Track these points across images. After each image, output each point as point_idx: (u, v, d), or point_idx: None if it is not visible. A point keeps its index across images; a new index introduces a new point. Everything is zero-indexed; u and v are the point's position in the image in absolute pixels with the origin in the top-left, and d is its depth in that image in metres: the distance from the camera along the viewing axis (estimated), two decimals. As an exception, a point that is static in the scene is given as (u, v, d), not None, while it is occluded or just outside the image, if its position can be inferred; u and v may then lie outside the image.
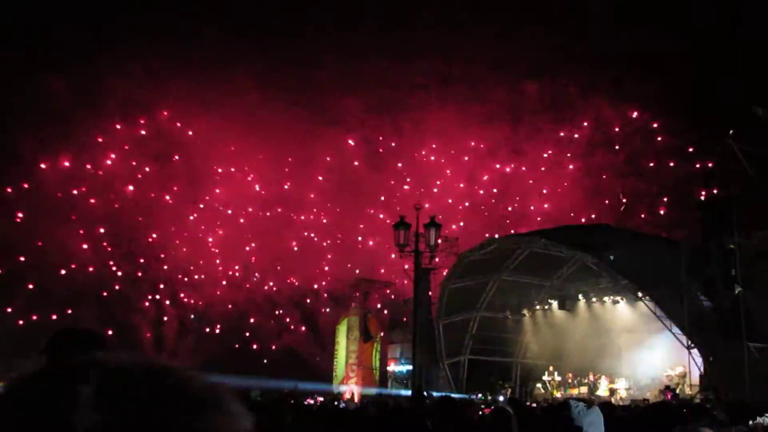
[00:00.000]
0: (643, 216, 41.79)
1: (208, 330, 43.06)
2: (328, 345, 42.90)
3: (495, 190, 46.27)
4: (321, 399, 27.35)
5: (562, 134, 46.14)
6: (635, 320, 30.16)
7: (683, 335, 24.78)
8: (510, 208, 45.45)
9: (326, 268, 45.08)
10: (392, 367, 38.90)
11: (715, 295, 23.73)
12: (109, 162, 42.53)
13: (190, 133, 44.35)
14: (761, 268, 23.81)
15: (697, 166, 34.92)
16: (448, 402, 6.29)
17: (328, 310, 44.59)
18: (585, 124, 45.84)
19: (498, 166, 46.47)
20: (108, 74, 38.94)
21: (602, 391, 29.50)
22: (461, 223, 42.10)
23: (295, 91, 43.00)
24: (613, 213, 41.21)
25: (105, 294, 40.42)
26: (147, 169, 43.31)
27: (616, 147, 44.87)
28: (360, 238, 44.83)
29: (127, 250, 41.92)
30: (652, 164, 43.49)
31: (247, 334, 43.75)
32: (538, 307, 34.86)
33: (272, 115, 42.55)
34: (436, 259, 30.17)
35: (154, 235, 43.27)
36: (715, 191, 24.04)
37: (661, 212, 40.71)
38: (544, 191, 45.50)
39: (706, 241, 24.02)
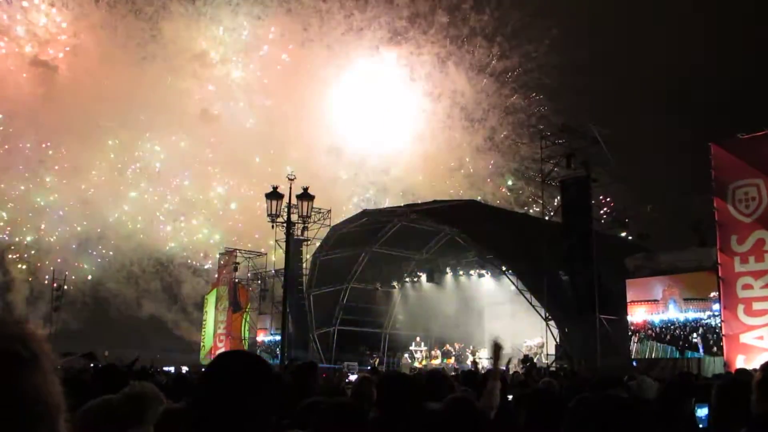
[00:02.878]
0: (507, 192, 43.39)
1: (61, 296, 40.90)
2: (192, 315, 41.99)
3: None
4: (185, 369, 26.73)
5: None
6: (499, 293, 31.35)
7: (542, 308, 25.96)
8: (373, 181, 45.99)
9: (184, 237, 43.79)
10: (262, 338, 38.66)
11: (573, 270, 24.96)
12: None
13: None
14: (615, 246, 25.29)
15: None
16: (311, 368, 6.31)
17: (191, 279, 43.53)
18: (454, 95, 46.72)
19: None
20: None
21: (468, 362, 30.56)
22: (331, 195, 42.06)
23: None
24: (476, 188, 42.39)
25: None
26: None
27: (476, 123, 46.21)
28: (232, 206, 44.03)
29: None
30: (511, 142, 45.26)
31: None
32: (407, 279, 35.60)
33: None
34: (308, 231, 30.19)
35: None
36: (575, 172, 25.13)
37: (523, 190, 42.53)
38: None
39: (566, 220, 25.17)
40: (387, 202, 39.54)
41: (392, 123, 46.56)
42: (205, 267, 42.81)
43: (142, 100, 43.30)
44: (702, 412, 5.00)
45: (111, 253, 42.91)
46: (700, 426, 4.93)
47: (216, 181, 44.20)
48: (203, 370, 2.33)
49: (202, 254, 42.83)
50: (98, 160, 43.37)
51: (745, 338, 19.88)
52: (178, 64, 44.86)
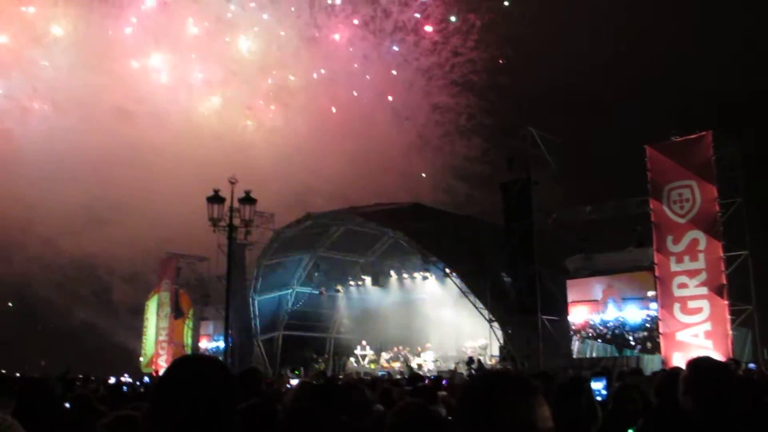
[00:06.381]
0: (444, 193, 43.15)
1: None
2: (126, 322, 40.86)
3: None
4: (126, 379, 26.16)
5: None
6: (443, 295, 31.48)
7: (486, 309, 26.20)
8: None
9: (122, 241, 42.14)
10: (204, 344, 38.06)
11: (515, 272, 25.27)
12: None
13: None
14: (555, 247, 25.69)
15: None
16: (253, 374, 6.21)
17: (123, 285, 42.13)
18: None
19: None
20: None
21: (413, 364, 30.65)
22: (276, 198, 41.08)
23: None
24: (411, 188, 41.81)
25: None
26: None
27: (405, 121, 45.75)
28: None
29: None
30: (444, 141, 45.13)
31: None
32: (351, 283, 35.48)
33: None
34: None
35: None
36: (516, 174, 25.45)
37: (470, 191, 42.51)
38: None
39: (508, 222, 25.48)
40: (322, 204, 38.66)
41: (316, 119, 45.92)
42: (140, 272, 41.52)
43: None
44: (597, 385, 5.23)
45: (35, 258, 41.07)
46: (599, 399, 5.18)
47: (151, 181, 42.34)
48: (164, 374, 2.27)
49: (133, 260, 41.38)
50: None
51: (681, 336, 20.42)
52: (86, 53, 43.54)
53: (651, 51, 37.01)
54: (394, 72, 47.16)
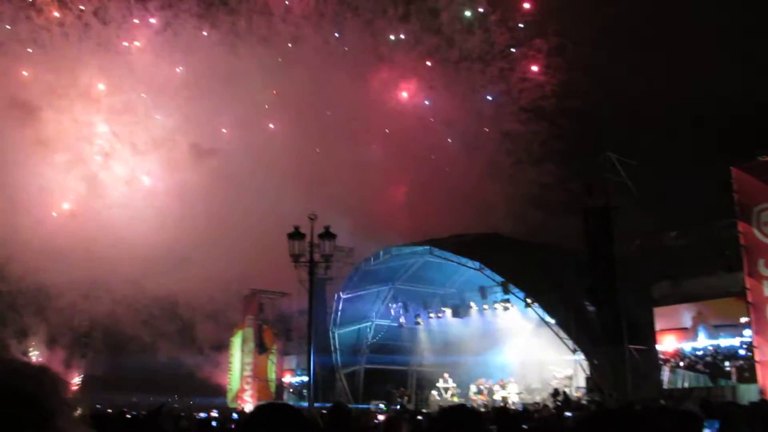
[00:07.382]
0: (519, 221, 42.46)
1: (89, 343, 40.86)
2: (210, 358, 41.76)
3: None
4: (215, 413, 26.66)
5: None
6: (525, 326, 31.02)
7: (570, 340, 25.66)
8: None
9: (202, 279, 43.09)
10: (288, 379, 38.50)
11: (598, 300, 24.68)
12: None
13: None
14: (641, 275, 25.01)
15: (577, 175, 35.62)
16: (340, 410, 6.27)
17: (205, 322, 43.08)
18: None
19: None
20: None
21: (497, 396, 30.21)
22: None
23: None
24: (485, 218, 41.26)
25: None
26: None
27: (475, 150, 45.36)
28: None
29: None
30: (516, 168, 44.54)
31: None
32: (432, 314, 35.35)
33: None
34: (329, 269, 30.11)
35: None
36: (596, 201, 24.97)
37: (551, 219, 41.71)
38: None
39: (590, 249, 24.97)
40: (399, 236, 38.59)
41: (388, 152, 46.15)
42: (222, 309, 42.42)
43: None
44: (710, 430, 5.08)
45: (121, 297, 42.46)
46: None
47: (228, 218, 43.19)
48: (245, 422, 2.59)
49: (215, 297, 42.31)
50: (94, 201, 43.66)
51: (780, 364, 19.47)
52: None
53: (728, 67, 35.84)
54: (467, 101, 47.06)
